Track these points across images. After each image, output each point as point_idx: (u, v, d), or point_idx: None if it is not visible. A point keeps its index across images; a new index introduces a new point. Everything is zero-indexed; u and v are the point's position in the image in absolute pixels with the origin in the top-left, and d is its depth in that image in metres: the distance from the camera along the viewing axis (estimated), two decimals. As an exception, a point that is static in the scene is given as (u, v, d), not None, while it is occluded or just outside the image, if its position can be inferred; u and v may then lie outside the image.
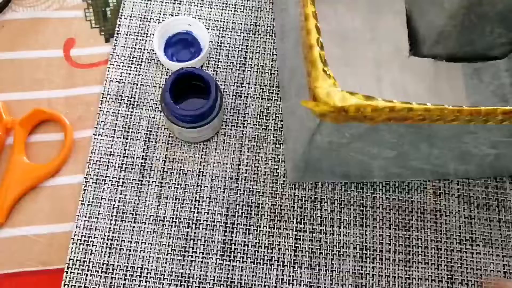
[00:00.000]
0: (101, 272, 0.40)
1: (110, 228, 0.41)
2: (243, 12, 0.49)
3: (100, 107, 0.44)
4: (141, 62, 0.46)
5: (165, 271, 0.40)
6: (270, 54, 0.47)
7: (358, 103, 0.26)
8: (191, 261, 0.40)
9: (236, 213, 0.42)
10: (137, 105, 0.45)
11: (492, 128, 0.30)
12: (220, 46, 0.47)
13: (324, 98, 0.26)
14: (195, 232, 0.41)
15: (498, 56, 0.47)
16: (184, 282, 0.40)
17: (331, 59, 0.46)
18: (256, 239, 0.41)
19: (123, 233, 0.41)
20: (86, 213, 0.41)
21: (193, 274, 0.40)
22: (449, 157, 0.38)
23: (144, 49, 0.47)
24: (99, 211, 0.41)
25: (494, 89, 0.46)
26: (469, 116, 0.27)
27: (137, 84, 0.46)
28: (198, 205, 0.42)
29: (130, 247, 0.40)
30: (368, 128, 0.29)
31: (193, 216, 0.42)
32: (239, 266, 0.40)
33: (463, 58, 0.48)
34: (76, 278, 0.39)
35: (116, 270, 0.40)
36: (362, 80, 0.46)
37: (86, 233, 0.40)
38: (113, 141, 0.43)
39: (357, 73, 0.46)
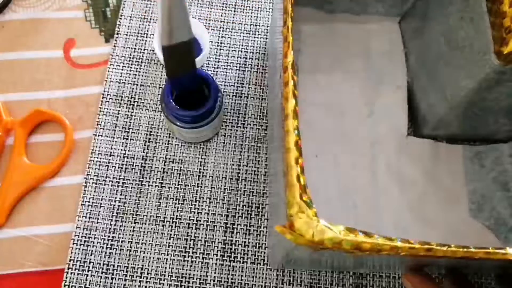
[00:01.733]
0: (102, 272, 0.40)
1: (110, 228, 0.41)
2: (243, 12, 0.49)
3: (100, 108, 0.44)
4: (141, 62, 0.46)
5: (165, 272, 0.40)
6: (270, 54, 0.47)
7: (335, 237, 0.24)
8: (192, 261, 0.40)
9: (237, 213, 0.42)
10: (137, 105, 0.45)
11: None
12: (220, 46, 0.47)
13: (300, 229, 0.24)
14: (195, 233, 0.41)
15: (502, 139, 0.43)
16: (185, 282, 0.40)
17: (324, 133, 0.44)
18: (256, 240, 0.41)
19: (123, 234, 0.41)
20: (87, 214, 0.41)
21: (193, 275, 0.40)
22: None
23: (144, 49, 0.47)
24: (99, 211, 0.41)
25: (496, 175, 0.42)
26: (444, 253, 0.25)
27: (137, 85, 0.45)
28: (199, 205, 0.42)
29: (130, 247, 0.40)
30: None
31: (193, 217, 0.42)
32: (240, 267, 0.40)
33: (465, 139, 0.45)
34: (77, 279, 0.39)
35: (117, 271, 0.40)
36: (356, 159, 0.43)
37: (86, 234, 0.40)
38: (113, 141, 0.43)
39: (350, 151, 0.43)
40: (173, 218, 0.41)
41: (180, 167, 0.43)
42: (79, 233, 0.40)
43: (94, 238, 0.40)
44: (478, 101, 0.37)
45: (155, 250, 0.40)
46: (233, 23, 0.48)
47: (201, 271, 0.40)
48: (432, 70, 0.42)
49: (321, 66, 0.46)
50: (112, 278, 0.39)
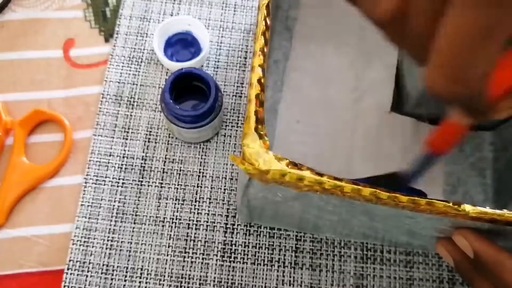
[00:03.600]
0: (101, 273, 0.39)
1: (110, 229, 0.41)
2: (243, 12, 0.49)
3: (100, 108, 0.44)
4: (141, 62, 0.46)
5: (165, 272, 0.40)
6: (270, 54, 0.47)
7: (281, 169, 0.25)
8: (191, 262, 0.40)
9: (236, 214, 0.42)
10: (136, 105, 0.45)
11: (431, 216, 0.28)
12: (220, 46, 0.47)
13: (250, 158, 0.25)
14: (195, 233, 0.41)
15: (486, 126, 0.44)
16: (185, 283, 0.40)
17: (309, 100, 0.45)
18: (256, 240, 0.41)
19: (123, 234, 0.41)
20: (86, 214, 0.41)
21: (193, 275, 0.40)
22: (395, 232, 0.36)
23: (143, 49, 0.47)
24: (99, 212, 0.41)
25: (474, 161, 0.44)
26: (387, 201, 0.26)
27: (136, 85, 0.45)
28: (198, 205, 0.42)
29: (130, 248, 0.40)
30: (299, 193, 0.27)
31: (193, 217, 0.41)
32: (240, 267, 0.40)
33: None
34: (76, 279, 0.39)
35: (116, 271, 0.40)
36: (335, 128, 0.44)
37: (86, 234, 0.40)
38: (112, 141, 0.43)
39: (332, 121, 0.44)
40: (173, 219, 0.41)
41: (180, 167, 0.43)
42: (79, 233, 0.40)
43: (94, 238, 0.40)
44: None
45: (154, 250, 0.40)
46: (233, 23, 0.48)
47: (201, 272, 0.40)
48: None
49: (315, 37, 0.47)
50: (111, 279, 0.39)
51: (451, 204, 0.26)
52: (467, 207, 0.26)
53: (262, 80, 0.27)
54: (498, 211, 0.27)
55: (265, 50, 0.28)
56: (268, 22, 0.29)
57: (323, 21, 0.48)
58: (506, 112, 0.26)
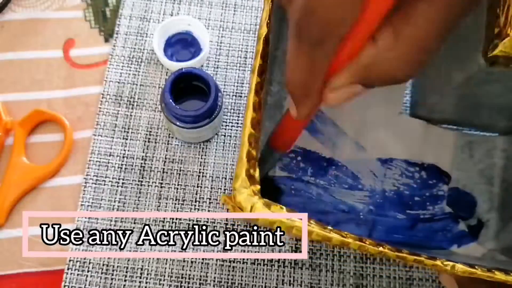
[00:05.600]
0: (101, 273, 0.39)
1: (110, 229, 0.41)
2: (243, 12, 0.49)
3: (100, 108, 0.44)
4: (141, 62, 0.46)
5: (165, 272, 0.40)
6: (270, 54, 0.47)
7: (270, 219, 0.25)
8: (191, 261, 0.40)
9: (236, 213, 0.42)
10: (136, 105, 0.45)
11: None
12: (220, 46, 0.47)
13: (240, 203, 0.25)
14: (195, 233, 0.41)
15: (499, 131, 0.42)
16: (185, 283, 0.40)
17: None
18: (256, 240, 0.41)
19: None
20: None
21: (193, 275, 0.40)
22: None
23: (143, 49, 0.47)
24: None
25: (483, 168, 0.42)
26: (374, 251, 0.26)
27: (136, 85, 0.45)
28: (198, 205, 0.42)
29: (130, 248, 0.40)
30: None
31: (194, 217, 0.41)
32: (240, 267, 0.40)
33: (460, 127, 0.44)
34: (76, 279, 0.39)
35: (116, 271, 0.40)
36: (343, 125, 0.43)
37: (86, 234, 0.40)
38: (112, 141, 0.43)
39: (340, 117, 0.43)
40: (172, 219, 0.41)
41: (180, 167, 0.43)
42: (79, 233, 0.40)
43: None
44: (468, 95, 0.37)
45: (154, 250, 0.40)
46: (233, 23, 0.48)
47: (201, 272, 0.40)
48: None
49: None
50: (111, 279, 0.39)
51: (439, 263, 0.26)
52: (457, 266, 0.26)
53: (256, 120, 0.27)
54: (487, 273, 0.26)
55: (259, 86, 0.28)
56: (265, 51, 0.29)
57: None
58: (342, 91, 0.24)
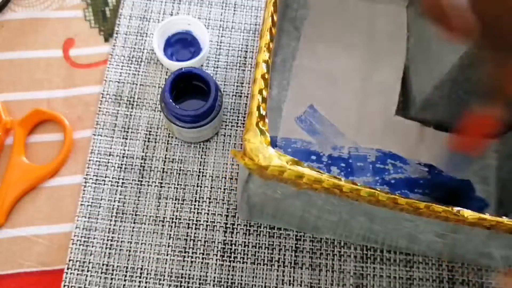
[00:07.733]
0: (101, 272, 0.39)
1: (109, 228, 0.41)
2: (243, 12, 0.49)
3: (100, 107, 0.44)
4: (141, 62, 0.46)
5: (165, 272, 0.40)
6: (270, 53, 0.47)
7: (280, 165, 0.25)
8: (191, 261, 0.40)
9: (236, 213, 0.42)
10: (136, 105, 0.45)
11: (430, 220, 0.28)
12: (220, 46, 0.47)
13: (250, 153, 0.25)
14: (195, 233, 0.41)
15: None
16: (184, 283, 0.40)
17: (314, 99, 0.45)
18: (256, 240, 0.41)
19: (122, 234, 0.41)
20: (86, 214, 0.41)
21: (193, 275, 0.40)
22: (394, 235, 0.35)
23: (143, 49, 0.47)
24: (98, 211, 0.41)
25: (478, 169, 0.43)
26: (387, 202, 0.26)
27: (136, 84, 0.45)
28: (198, 205, 0.42)
29: (130, 247, 0.40)
30: (298, 191, 0.27)
31: (193, 217, 0.41)
32: (240, 267, 0.40)
33: (454, 129, 0.45)
34: (76, 279, 0.39)
35: (116, 271, 0.40)
36: (340, 128, 0.44)
37: (85, 234, 0.40)
38: (112, 141, 0.43)
39: (337, 120, 0.44)
40: (172, 218, 0.41)
41: (180, 167, 0.43)
42: (79, 233, 0.40)
43: (94, 238, 0.40)
44: (462, 81, 0.37)
45: (154, 250, 0.40)
46: (233, 23, 0.48)
47: (201, 271, 0.40)
48: (426, 49, 0.42)
49: (323, 36, 0.47)
50: (111, 279, 0.39)
51: (450, 209, 0.26)
52: (466, 212, 0.26)
53: (266, 76, 0.27)
54: (497, 218, 0.26)
55: (271, 46, 0.28)
56: (275, 18, 0.29)
57: (332, 22, 0.48)
58: None
